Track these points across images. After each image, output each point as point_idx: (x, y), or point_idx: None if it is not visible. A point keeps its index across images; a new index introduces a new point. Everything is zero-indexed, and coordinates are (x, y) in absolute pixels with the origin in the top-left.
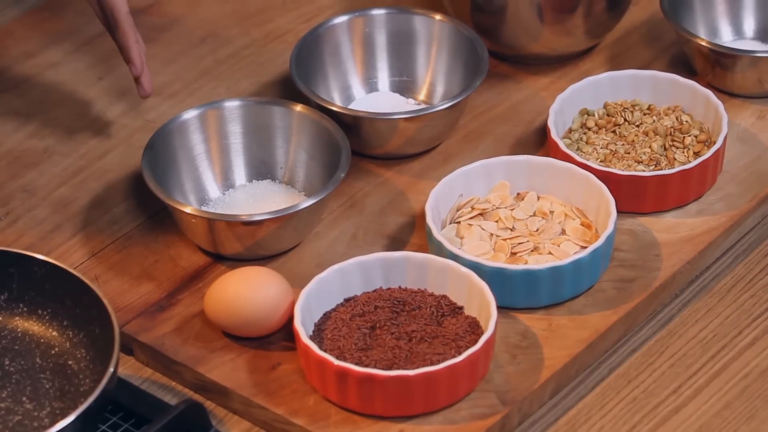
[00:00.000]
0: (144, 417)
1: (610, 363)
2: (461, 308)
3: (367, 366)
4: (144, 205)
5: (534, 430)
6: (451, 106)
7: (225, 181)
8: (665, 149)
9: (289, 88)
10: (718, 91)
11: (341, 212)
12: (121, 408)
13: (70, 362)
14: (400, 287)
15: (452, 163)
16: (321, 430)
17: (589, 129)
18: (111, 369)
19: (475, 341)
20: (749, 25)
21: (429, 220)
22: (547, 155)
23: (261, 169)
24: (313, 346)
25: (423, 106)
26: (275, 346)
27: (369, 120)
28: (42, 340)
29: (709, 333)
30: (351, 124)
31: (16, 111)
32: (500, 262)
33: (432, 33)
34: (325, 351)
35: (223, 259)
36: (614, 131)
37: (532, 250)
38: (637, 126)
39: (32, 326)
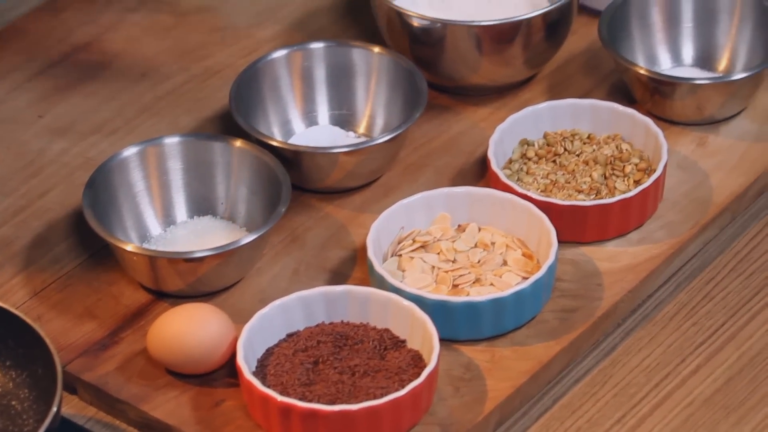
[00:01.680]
0: None
1: (554, 394)
2: (404, 341)
3: (310, 401)
4: (85, 243)
5: None
6: (391, 138)
7: (166, 217)
8: (606, 178)
9: (229, 123)
10: (658, 118)
11: (283, 247)
12: None
13: (13, 402)
14: (342, 321)
15: (393, 195)
16: None
17: (530, 159)
18: (54, 408)
19: (418, 374)
20: (688, 52)
21: (370, 254)
22: (488, 186)
23: (202, 205)
24: (256, 382)
25: (363, 139)
26: (219, 382)
27: (309, 154)
28: None
29: (653, 361)
30: (291, 159)
31: None
32: (442, 295)
33: (371, 66)
34: (269, 387)
35: (165, 296)
36: (554, 161)
37: (474, 282)
38: (577, 155)
39: None
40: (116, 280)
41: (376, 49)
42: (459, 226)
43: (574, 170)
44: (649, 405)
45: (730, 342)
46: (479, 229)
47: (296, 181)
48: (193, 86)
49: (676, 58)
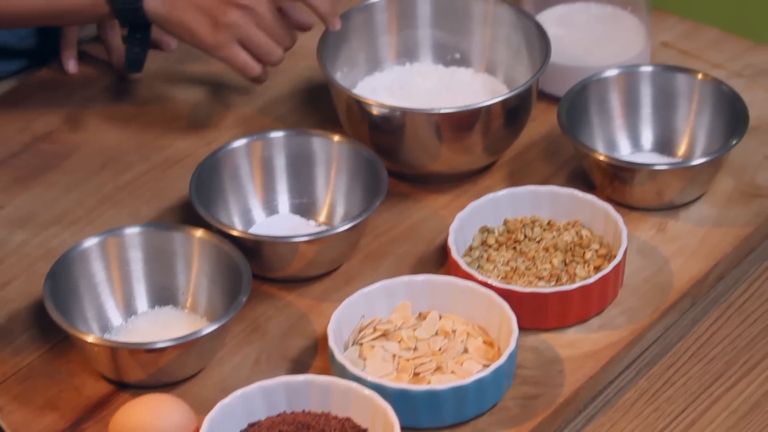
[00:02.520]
0: None
1: None
2: (365, 430)
3: None
4: (47, 334)
5: None
6: (352, 227)
7: (127, 308)
8: (566, 264)
9: (190, 213)
10: (618, 204)
11: (244, 336)
12: None
13: None
14: (304, 411)
15: (354, 284)
16: None
17: (490, 246)
18: None
19: None
20: (647, 137)
21: (331, 343)
22: (449, 274)
23: (163, 295)
24: None
25: (323, 227)
26: None
27: (270, 244)
28: None
29: None
30: (252, 248)
31: None
32: (403, 383)
33: (331, 154)
34: None
35: (126, 387)
36: (515, 248)
37: (435, 370)
38: (538, 242)
39: None
40: (78, 371)
41: (336, 138)
42: (420, 314)
43: (534, 257)
44: None
45: (691, 428)
46: (440, 317)
47: (257, 270)
48: (153, 176)
49: (636, 143)
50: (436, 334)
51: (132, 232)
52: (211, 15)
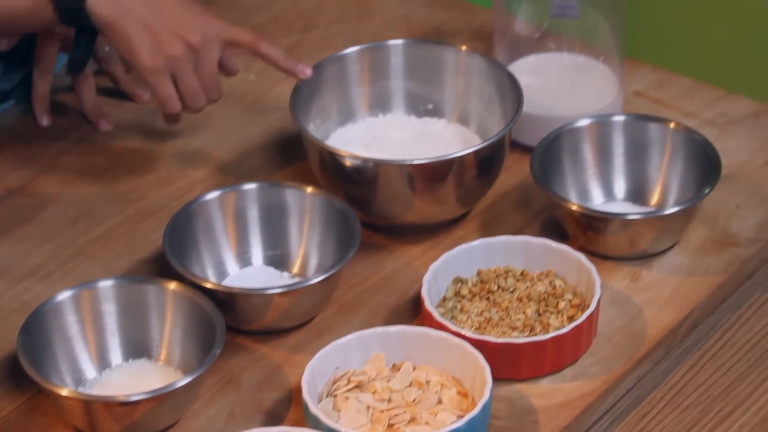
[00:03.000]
0: None
1: None
2: None
3: None
4: (21, 387)
5: None
6: (325, 279)
7: (101, 361)
8: (539, 315)
9: (164, 265)
10: (591, 254)
11: (218, 389)
12: None
13: None
14: None
15: (328, 335)
16: None
17: (463, 297)
18: None
19: None
20: (620, 187)
21: (305, 395)
22: (423, 324)
23: (137, 348)
24: None
25: (297, 279)
26: None
27: (243, 296)
28: None
29: None
30: (226, 300)
31: None
32: None
33: (304, 206)
34: None
35: None
36: (488, 298)
37: (409, 421)
38: (511, 292)
39: None
40: (52, 425)
41: (309, 189)
42: (394, 365)
43: (507, 307)
44: None
45: None
46: (414, 368)
47: (231, 322)
48: (127, 228)
49: (609, 193)
50: (410, 385)
51: (105, 285)
52: (157, 39)
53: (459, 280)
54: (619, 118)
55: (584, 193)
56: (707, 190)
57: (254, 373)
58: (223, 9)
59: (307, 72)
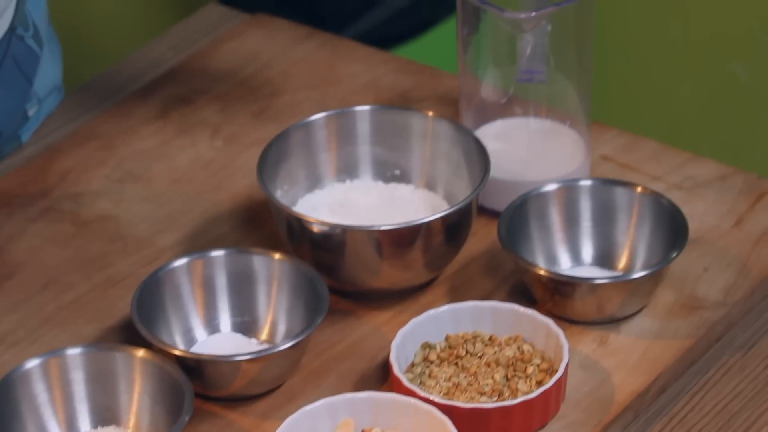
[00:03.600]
0: None
1: None
2: None
3: None
4: None
5: None
6: (293, 345)
7: (70, 428)
8: (508, 379)
9: (132, 333)
10: (559, 318)
11: None
12: None
13: None
14: None
15: (296, 402)
16: None
17: (432, 362)
18: None
19: None
20: (587, 251)
21: None
22: (391, 390)
23: (105, 415)
24: None
25: (266, 346)
26: None
27: (212, 363)
28: None
29: None
30: (194, 367)
31: None
32: None
33: (272, 272)
34: None
35: None
36: (456, 363)
37: None
38: (479, 357)
39: None
40: None
41: (277, 256)
42: (363, 431)
43: (476, 372)
44: None
45: None
46: None
47: (199, 389)
48: (95, 296)
49: (576, 257)
50: None
51: (74, 352)
52: None
53: (427, 346)
54: (586, 183)
55: (552, 258)
56: (675, 254)
57: None
58: (189, 76)
59: None
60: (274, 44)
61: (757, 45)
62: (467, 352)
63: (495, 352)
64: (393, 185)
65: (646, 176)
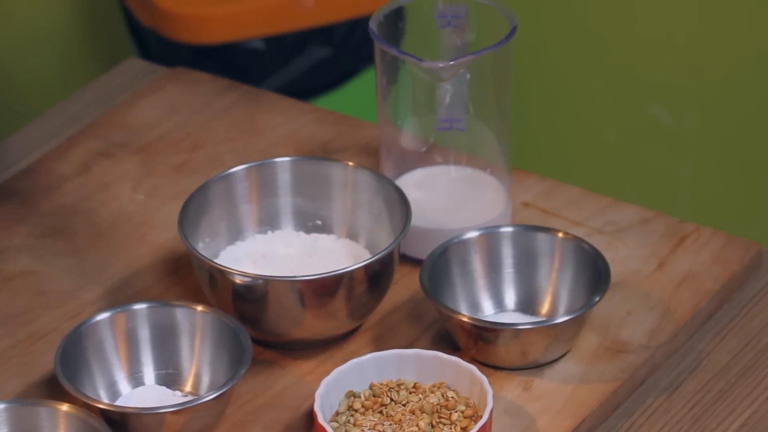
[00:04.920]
0: None
1: None
2: None
3: None
4: None
5: None
6: (218, 396)
7: None
8: (433, 426)
9: (56, 387)
10: (483, 365)
11: None
12: None
13: None
14: None
15: None
16: None
17: (356, 411)
18: None
19: None
20: (510, 297)
21: None
22: None
23: None
24: None
25: (190, 397)
26: None
27: (135, 416)
28: None
29: None
30: (118, 421)
31: None
32: None
33: (195, 324)
34: None
35: None
36: (381, 411)
37: None
38: (404, 405)
39: None
40: None
41: (200, 308)
42: None
43: (401, 420)
44: None
45: None
46: None
47: None
48: (18, 351)
49: (499, 303)
50: None
51: None
52: None
53: (352, 394)
54: (508, 230)
55: (474, 305)
56: (597, 299)
57: None
58: (110, 130)
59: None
60: (194, 97)
61: (677, 88)
62: (392, 399)
63: (419, 400)
64: (315, 235)
65: (568, 222)
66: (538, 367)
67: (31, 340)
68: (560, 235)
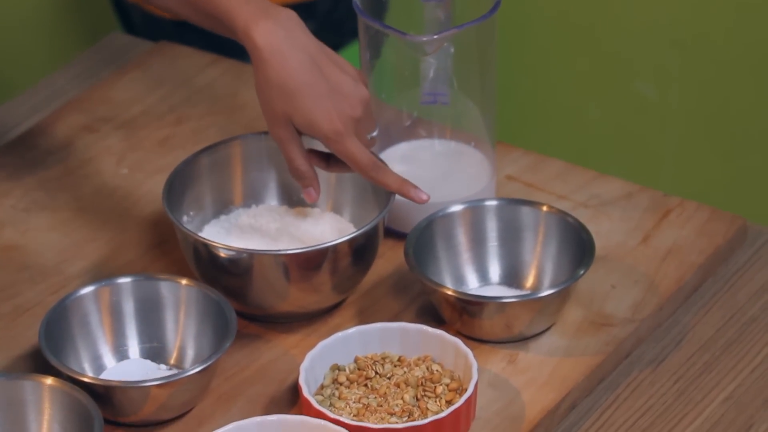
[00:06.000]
0: None
1: None
2: None
3: None
4: None
5: None
6: (202, 369)
7: None
8: (418, 400)
9: (41, 361)
10: (468, 338)
11: None
12: None
13: None
14: None
15: (206, 426)
16: None
17: (341, 384)
18: None
19: None
20: (495, 270)
21: None
22: (301, 413)
23: None
24: None
25: (174, 371)
26: None
27: (120, 389)
28: None
29: None
30: (103, 394)
31: None
32: None
33: (179, 298)
34: None
35: None
36: (366, 385)
37: None
38: (389, 378)
39: None
40: None
41: (184, 282)
42: None
43: (386, 393)
44: None
45: None
46: None
47: (109, 415)
48: (3, 325)
49: (483, 277)
50: None
51: None
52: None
53: (336, 368)
54: (492, 203)
55: (459, 278)
56: (582, 272)
57: None
58: (93, 104)
59: (423, 197)
60: (177, 72)
61: (662, 63)
62: (376, 373)
63: (404, 373)
64: (299, 209)
65: (552, 195)
66: (522, 340)
67: (15, 314)
68: (545, 208)
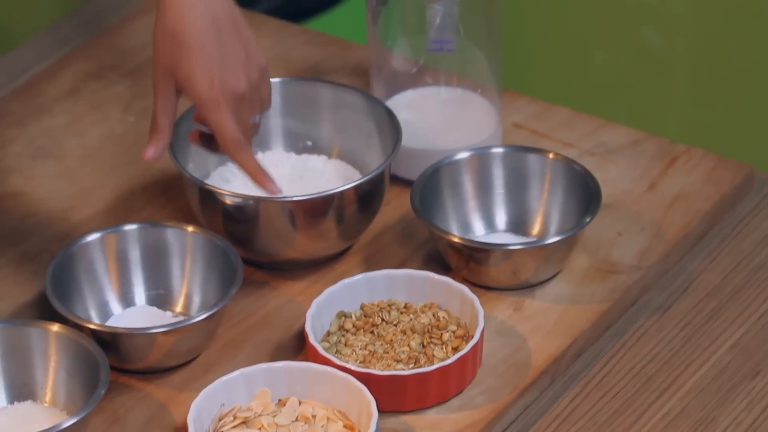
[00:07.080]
0: None
1: None
2: None
3: None
4: None
5: None
6: (208, 316)
7: None
8: (424, 346)
9: (47, 308)
10: (474, 285)
11: (104, 429)
12: None
13: None
14: None
15: (212, 373)
16: None
17: (347, 331)
18: None
19: None
20: (501, 218)
21: None
22: (307, 360)
23: (22, 390)
24: None
25: (180, 318)
26: None
27: (127, 336)
28: None
29: None
30: (109, 341)
31: None
32: None
33: (185, 245)
34: None
35: None
36: (372, 332)
37: None
38: (395, 325)
39: None
40: None
41: (190, 228)
42: (279, 400)
43: (392, 340)
44: None
45: None
46: (300, 403)
47: (115, 362)
48: (9, 272)
49: (490, 224)
50: (297, 420)
51: None
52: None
53: (342, 315)
54: (499, 150)
55: (466, 225)
56: (588, 219)
57: (140, 412)
58: (100, 52)
59: (275, 191)
60: None
61: (668, 10)
62: (383, 320)
63: (410, 320)
64: (305, 156)
65: (559, 143)
66: (529, 287)
67: (21, 261)
68: (551, 156)
